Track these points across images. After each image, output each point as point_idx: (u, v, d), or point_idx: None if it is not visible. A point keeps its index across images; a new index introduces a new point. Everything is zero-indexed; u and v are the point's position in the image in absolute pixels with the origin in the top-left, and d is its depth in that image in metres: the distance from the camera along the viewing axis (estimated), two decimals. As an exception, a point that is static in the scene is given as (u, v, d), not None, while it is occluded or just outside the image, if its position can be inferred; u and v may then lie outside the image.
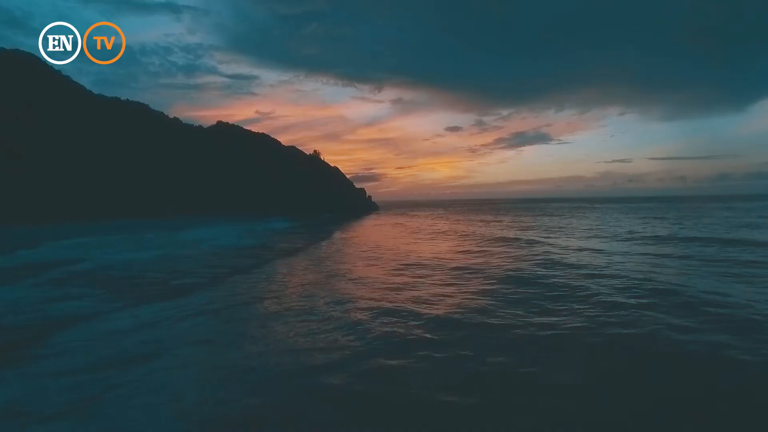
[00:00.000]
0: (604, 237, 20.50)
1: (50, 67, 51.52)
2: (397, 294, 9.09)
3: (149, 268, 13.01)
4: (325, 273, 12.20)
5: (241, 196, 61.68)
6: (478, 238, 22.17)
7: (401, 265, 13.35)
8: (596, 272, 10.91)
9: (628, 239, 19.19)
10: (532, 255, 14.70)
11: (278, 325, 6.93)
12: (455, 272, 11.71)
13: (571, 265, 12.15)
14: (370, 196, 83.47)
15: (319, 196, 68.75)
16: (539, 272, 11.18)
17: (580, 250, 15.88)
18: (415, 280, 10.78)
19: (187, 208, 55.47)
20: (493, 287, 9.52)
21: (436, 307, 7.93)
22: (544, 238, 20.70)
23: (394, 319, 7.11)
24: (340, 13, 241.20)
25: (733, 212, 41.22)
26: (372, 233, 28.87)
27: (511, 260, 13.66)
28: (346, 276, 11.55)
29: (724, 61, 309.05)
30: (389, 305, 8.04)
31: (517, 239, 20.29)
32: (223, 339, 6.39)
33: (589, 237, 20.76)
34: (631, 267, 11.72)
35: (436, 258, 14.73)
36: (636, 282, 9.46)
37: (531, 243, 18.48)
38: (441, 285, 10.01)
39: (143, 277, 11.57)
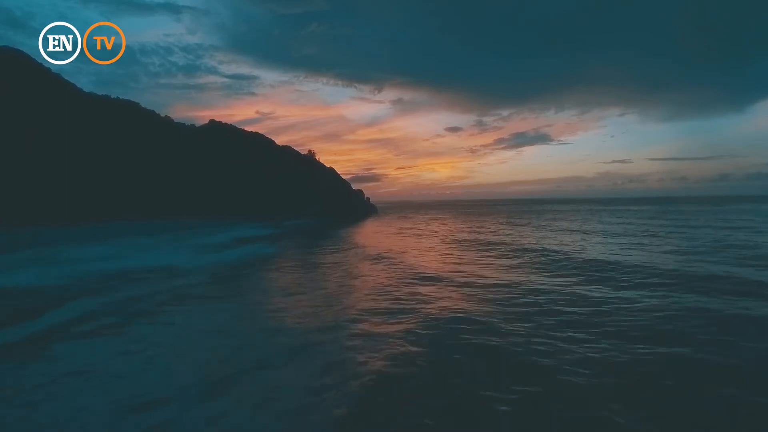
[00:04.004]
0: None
1: (40, 64, 51.00)
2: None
3: None
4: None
5: (228, 198, 59.38)
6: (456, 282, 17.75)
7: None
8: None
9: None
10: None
11: None
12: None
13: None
14: (368, 198, 79.42)
15: (314, 199, 65.62)
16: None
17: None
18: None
19: (172, 211, 53.69)
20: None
21: None
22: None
23: None
24: (340, 13, 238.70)
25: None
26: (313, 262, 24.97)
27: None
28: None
29: (724, 62, 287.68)
30: None
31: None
32: None
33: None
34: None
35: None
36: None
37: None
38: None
39: None
